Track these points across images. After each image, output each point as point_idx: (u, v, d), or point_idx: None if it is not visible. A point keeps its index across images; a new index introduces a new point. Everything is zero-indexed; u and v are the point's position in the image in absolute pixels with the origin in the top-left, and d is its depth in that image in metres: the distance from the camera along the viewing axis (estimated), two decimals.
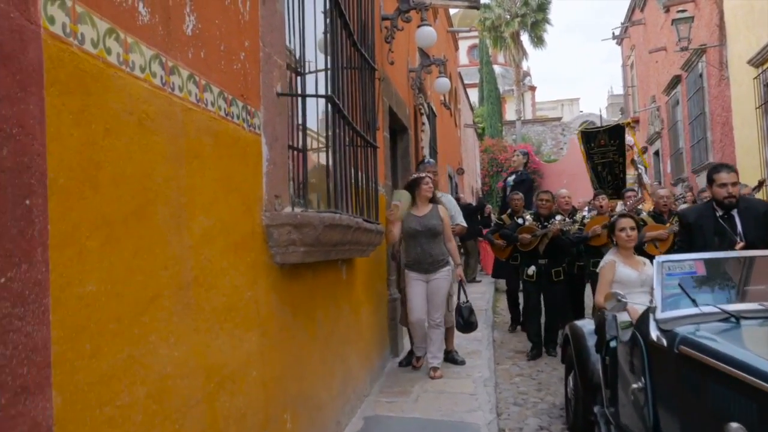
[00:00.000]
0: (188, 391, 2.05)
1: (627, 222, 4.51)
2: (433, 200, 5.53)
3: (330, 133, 3.33)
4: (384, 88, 5.93)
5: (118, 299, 1.71)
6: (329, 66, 3.46)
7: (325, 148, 3.44)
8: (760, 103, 10.95)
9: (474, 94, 30.14)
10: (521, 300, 7.88)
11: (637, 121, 10.39)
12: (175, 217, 2.02)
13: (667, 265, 3.39)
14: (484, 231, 10.54)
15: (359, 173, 4.05)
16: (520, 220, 6.97)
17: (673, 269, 3.36)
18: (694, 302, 3.22)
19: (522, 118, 32.66)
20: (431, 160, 7.11)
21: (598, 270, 4.45)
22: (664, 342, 3.01)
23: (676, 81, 16.47)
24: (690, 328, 2.99)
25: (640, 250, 6.62)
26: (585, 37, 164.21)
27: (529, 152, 12.54)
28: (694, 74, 14.99)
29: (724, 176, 4.46)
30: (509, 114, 35.72)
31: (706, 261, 3.52)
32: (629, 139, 10.88)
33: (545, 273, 6.66)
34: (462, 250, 12.76)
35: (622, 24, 22.10)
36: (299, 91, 3.37)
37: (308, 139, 3.54)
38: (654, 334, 3.15)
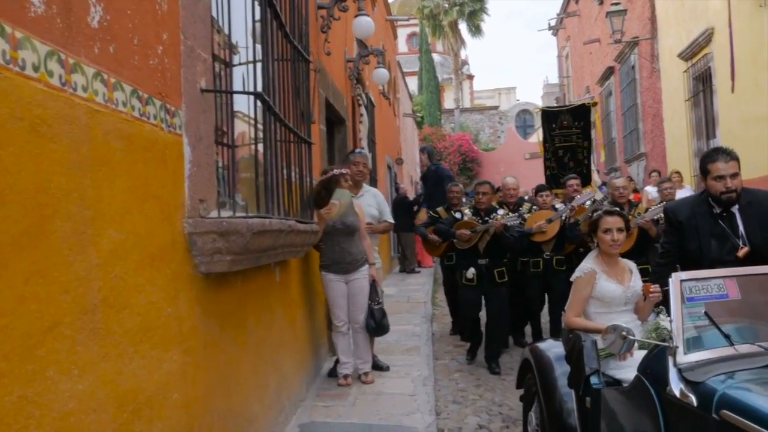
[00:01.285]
0: (96, 426, 1.85)
1: (614, 221, 3.42)
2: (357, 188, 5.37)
3: (261, 131, 3.13)
4: (320, 80, 5.73)
5: (5, 334, 1.49)
6: (259, 59, 3.26)
7: (255, 147, 3.24)
8: (689, 95, 11.25)
9: (413, 83, 30.15)
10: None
11: (596, 104, 9.89)
12: (77, 234, 1.80)
13: (689, 286, 2.54)
14: (418, 223, 9.74)
15: (293, 170, 3.85)
16: (457, 215, 6.23)
17: (697, 291, 2.54)
18: (728, 338, 2.43)
19: (460, 107, 32.89)
20: (362, 150, 6.50)
21: (572, 279, 3.48)
22: (694, 400, 2.24)
23: (609, 72, 16.82)
24: (733, 381, 2.21)
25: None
26: (522, 25, 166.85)
27: (431, 149, 11.76)
28: (627, 66, 15.33)
29: (721, 166, 3.55)
30: (448, 102, 35.88)
31: (740, 280, 2.65)
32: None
33: (487, 275, 5.92)
34: (399, 243, 12.77)
35: (557, 15, 22.43)
36: (227, 86, 3.15)
37: (239, 136, 3.33)
38: (676, 386, 2.35)
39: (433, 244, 6.87)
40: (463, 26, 32.00)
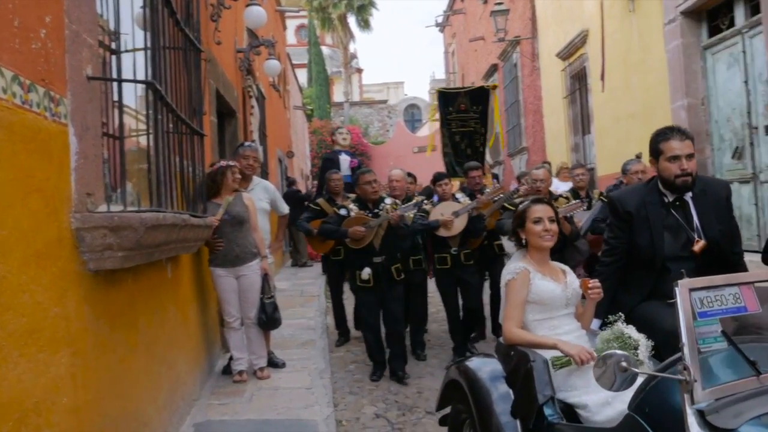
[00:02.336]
0: None
1: (544, 210, 2.98)
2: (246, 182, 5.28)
3: (152, 122, 3.01)
4: (210, 70, 5.58)
5: None
6: (149, 46, 3.12)
7: (146, 139, 3.10)
8: (566, 93, 11.90)
9: (302, 75, 29.90)
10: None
11: (495, 87, 9.41)
12: None
13: (699, 297, 1.97)
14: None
15: (185, 162, 3.73)
16: (343, 211, 5.42)
17: (709, 304, 1.99)
18: (754, 366, 1.89)
19: (350, 100, 33.01)
20: (252, 143, 6.12)
21: (503, 285, 2.96)
22: None
23: (493, 69, 17.45)
24: None
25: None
26: (411, 21, 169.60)
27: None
28: (510, 64, 15.99)
29: (675, 145, 3.14)
30: (337, 96, 35.91)
31: (758, 288, 2.06)
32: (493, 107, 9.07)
33: (384, 273, 5.31)
34: (291, 237, 12.67)
35: (444, 12, 22.97)
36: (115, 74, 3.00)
37: (128, 127, 3.18)
38: None
39: (318, 240, 6.35)
40: (352, 20, 32.09)
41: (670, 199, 3.24)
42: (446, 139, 8.77)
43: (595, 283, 2.88)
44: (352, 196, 5.76)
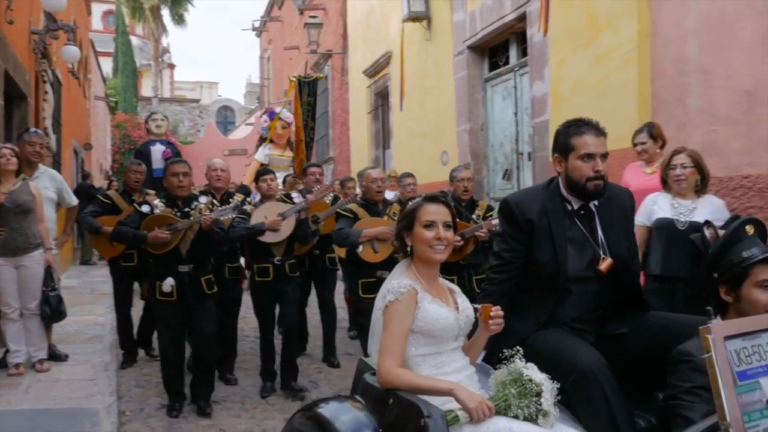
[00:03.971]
0: None
1: (439, 211, 2.36)
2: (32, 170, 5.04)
3: None
4: None
5: None
6: None
7: None
8: (370, 109, 12.66)
9: (107, 64, 28.28)
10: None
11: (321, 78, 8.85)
12: None
13: (736, 349, 1.51)
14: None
15: None
16: (145, 208, 4.47)
17: (748, 359, 1.50)
18: None
19: (159, 96, 31.76)
20: (38, 130, 5.66)
21: (380, 308, 2.32)
22: None
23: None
24: None
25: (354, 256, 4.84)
26: (228, 22, 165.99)
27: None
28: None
29: (590, 141, 2.58)
30: (146, 90, 34.31)
31: None
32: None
33: (191, 285, 4.44)
34: (80, 234, 12.01)
35: (261, 17, 23.07)
36: None
37: None
38: None
39: (105, 240, 5.43)
40: (166, 12, 30.94)
41: (575, 207, 2.69)
42: (309, 131, 7.71)
43: (497, 311, 2.33)
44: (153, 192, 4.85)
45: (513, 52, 7.80)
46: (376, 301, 2.37)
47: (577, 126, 2.63)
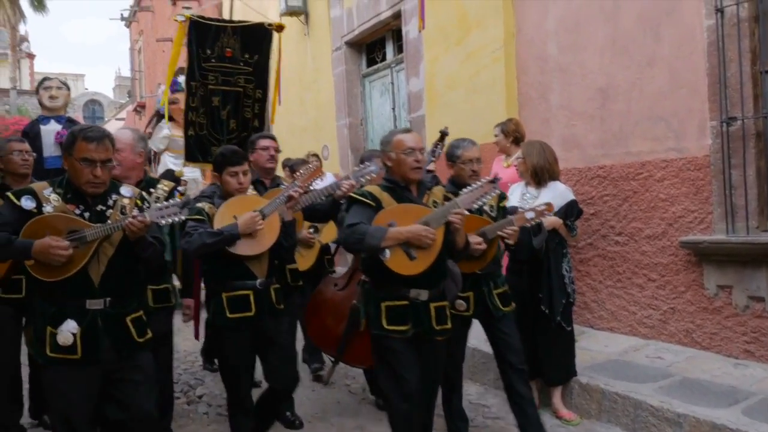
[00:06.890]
0: None
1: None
2: None
3: None
4: None
5: None
6: None
7: None
8: None
9: None
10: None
11: (282, 28, 5.70)
12: None
13: None
14: None
15: None
16: (27, 203, 2.73)
17: None
18: None
19: (18, 88, 29.62)
20: None
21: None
22: None
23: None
24: None
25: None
26: (94, 10, 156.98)
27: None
28: None
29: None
30: (3, 81, 31.90)
31: None
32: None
33: (108, 333, 2.78)
34: None
35: (131, 7, 22.08)
36: None
37: None
38: None
39: None
40: None
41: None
42: (195, 101, 5.16)
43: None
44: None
45: (389, 49, 8.00)
46: None
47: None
